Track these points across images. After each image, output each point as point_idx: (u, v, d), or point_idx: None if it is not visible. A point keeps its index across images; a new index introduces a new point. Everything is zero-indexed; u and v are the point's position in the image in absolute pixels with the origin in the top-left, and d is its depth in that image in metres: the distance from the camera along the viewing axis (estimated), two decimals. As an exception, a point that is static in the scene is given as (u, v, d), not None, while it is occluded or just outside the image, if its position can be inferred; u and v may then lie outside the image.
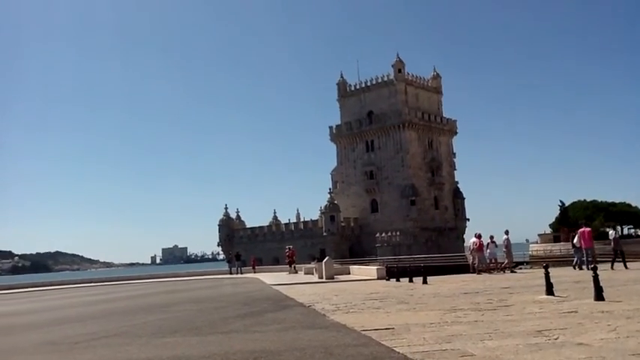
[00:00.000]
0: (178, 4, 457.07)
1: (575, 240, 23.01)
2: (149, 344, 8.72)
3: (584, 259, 22.09)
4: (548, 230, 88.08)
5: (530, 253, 74.02)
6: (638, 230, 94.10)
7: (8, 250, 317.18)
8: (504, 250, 25.65)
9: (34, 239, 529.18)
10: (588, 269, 20.53)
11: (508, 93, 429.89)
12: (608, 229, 25.92)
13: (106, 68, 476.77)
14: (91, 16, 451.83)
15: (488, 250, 24.95)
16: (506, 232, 25.58)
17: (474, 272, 24.68)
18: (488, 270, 24.62)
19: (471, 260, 25.68)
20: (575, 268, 22.69)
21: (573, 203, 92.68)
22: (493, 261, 25.54)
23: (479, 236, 25.21)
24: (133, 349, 8.25)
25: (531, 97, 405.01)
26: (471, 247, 25.36)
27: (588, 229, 22.66)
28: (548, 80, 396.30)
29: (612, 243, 23.04)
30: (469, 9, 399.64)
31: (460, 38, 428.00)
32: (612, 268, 21.29)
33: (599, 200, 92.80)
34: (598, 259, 22.94)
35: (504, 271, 24.66)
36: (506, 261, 25.90)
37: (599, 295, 10.81)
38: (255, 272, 41.60)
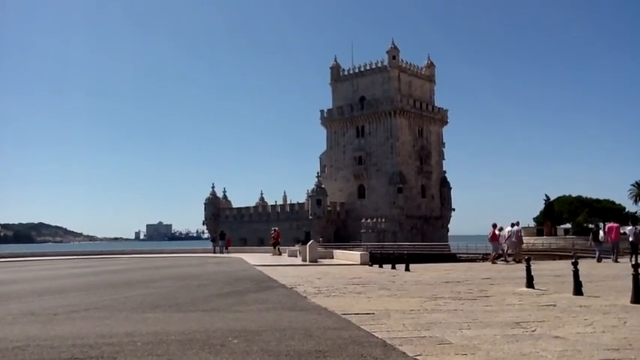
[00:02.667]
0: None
1: (601, 235, 24.79)
2: (129, 319, 8.70)
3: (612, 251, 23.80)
4: (532, 224, 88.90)
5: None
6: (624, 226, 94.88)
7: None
8: (514, 240, 24.11)
9: (17, 209, 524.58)
10: (616, 261, 22.71)
11: (499, 87, 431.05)
12: (627, 227, 26.90)
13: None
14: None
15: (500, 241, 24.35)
16: (517, 224, 24.53)
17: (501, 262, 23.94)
18: (493, 260, 23.96)
19: (505, 249, 24.87)
20: (600, 261, 23.06)
21: (558, 198, 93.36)
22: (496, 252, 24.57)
23: (494, 225, 24.60)
24: (112, 323, 8.22)
25: (522, 94, 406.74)
26: (488, 237, 24.88)
27: (616, 224, 24.67)
28: (540, 79, 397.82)
29: (632, 237, 23.45)
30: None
31: (456, 28, 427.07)
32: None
33: (584, 196, 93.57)
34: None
35: (518, 261, 23.11)
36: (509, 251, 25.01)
37: (578, 290, 10.94)
38: (228, 252, 40.43)
